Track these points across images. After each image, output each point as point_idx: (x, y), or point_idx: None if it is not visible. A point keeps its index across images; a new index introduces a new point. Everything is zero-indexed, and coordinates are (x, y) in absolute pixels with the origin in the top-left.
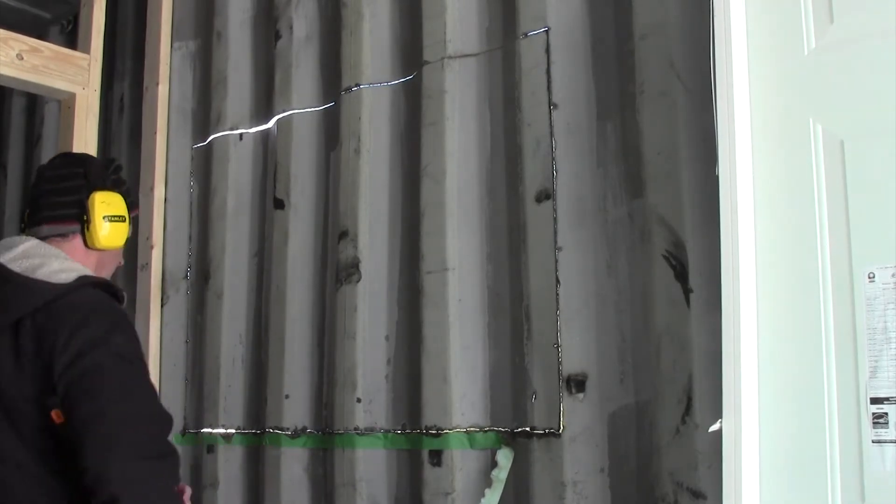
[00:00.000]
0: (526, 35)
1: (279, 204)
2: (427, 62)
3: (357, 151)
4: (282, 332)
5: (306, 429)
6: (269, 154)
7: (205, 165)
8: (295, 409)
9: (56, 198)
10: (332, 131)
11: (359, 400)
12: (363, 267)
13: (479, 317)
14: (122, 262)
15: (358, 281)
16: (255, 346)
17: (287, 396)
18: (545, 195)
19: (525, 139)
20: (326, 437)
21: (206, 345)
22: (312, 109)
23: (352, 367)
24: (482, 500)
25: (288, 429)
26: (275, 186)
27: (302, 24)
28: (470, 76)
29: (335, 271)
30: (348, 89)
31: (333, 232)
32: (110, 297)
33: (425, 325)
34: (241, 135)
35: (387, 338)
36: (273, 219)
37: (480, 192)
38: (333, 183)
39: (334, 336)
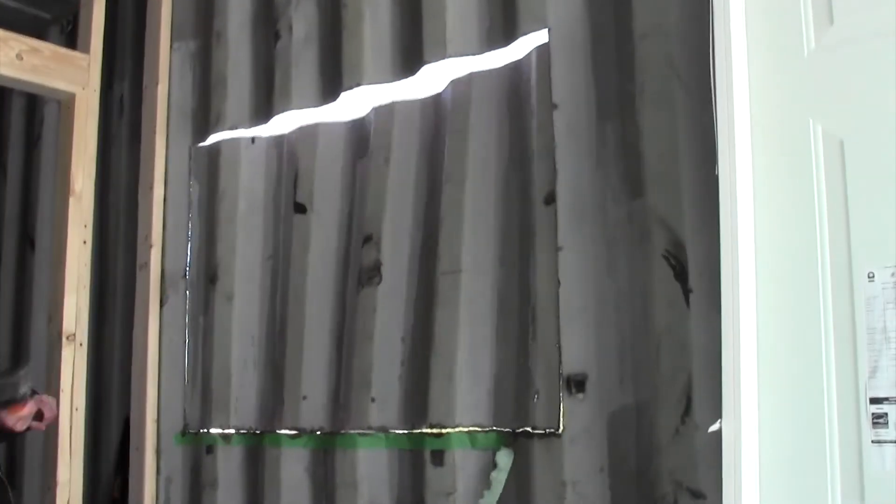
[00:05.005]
0: (526, 35)
1: (300, 208)
2: (427, 62)
3: (387, 162)
4: (300, 334)
5: (312, 429)
6: (283, 159)
7: (211, 167)
8: (312, 410)
9: None
10: (362, 141)
11: (373, 400)
12: (384, 270)
13: (488, 318)
14: None
15: (378, 283)
16: (268, 348)
17: (305, 398)
18: (553, 197)
19: (536, 143)
20: (327, 437)
21: (213, 346)
22: (339, 121)
23: (367, 367)
24: (480, 501)
25: (304, 429)
26: (295, 191)
27: (302, 24)
28: (492, 84)
29: (357, 274)
30: (349, 89)
31: (357, 236)
32: None
33: (436, 325)
34: (252, 138)
35: (403, 339)
36: (292, 222)
37: (496, 194)
38: (361, 190)
39: (353, 337)
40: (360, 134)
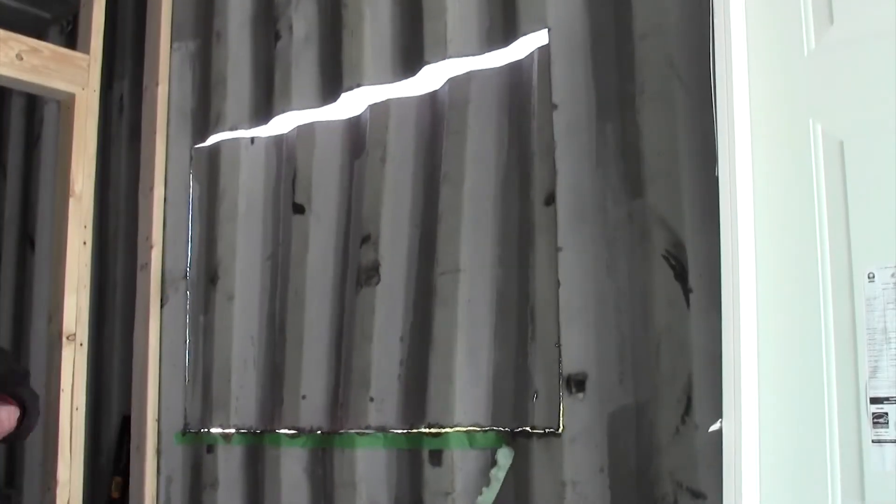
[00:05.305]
0: (526, 35)
1: (299, 209)
2: (428, 62)
3: (382, 160)
4: (300, 334)
5: (311, 429)
6: (282, 160)
7: (211, 168)
8: (311, 409)
9: None
10: (358, 140)
11: (371, 399)
12: (383, 270)
13: (486, 318)
14: None
15: (377, 283)
16: (268, 348)
17: (304, 397)
18: (553, 198)
19: (536, 143)
20: (326, 436)
21: (214, 345)
22: (336, 119)
23: (366, 367)
24: (479, 499)
25: (304, 429)
26: (293, 192)
27: (302, 24)
28: (492, 84)
29: (356, 274)
30: (349, 90)
31: (356, 236)
32: None
33: (435, 325)
34: (252, 139)
35: (401, 339)
36: (291, 223)
37: (495, 195)
38: (357, 189)
39: (352, 337)
40: (356, 132)
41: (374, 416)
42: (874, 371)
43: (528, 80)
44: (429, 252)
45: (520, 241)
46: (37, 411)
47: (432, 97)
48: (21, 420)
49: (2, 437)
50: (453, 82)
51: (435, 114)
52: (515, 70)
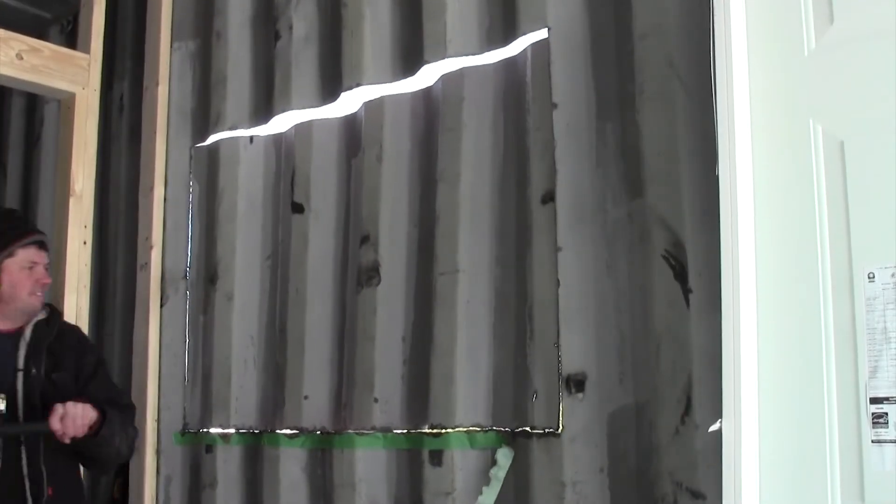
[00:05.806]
0: (526, 35)
1: (298, 208)
2: (427, 62)
3: (379, 158)
4: (301, 335)
5: (314, 429)
6: (281, 159)
7: (210, 167)
8: (314, 410)
9: None
10: (354, 138)
11: (376, 400)
12: (383, 270)
13: (485, 317)
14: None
15: (377, 284)
16: (268, 348)
17: (306, 397)
18: (550, 196)
19: (533, 141)
20: (325, 437)
21: (213, 345)
22: (333, 118)
23: (370, 368)
24: (479, 498)
25: (307, 429)
26: (292, 191)
27: (302, 24)
28: (486, 80)
29: (356, 275)
30: (349, 89)
31: (355, 236)
32: None
33: (435, 326)
34: (251, 138)
35: (403, 339)
36: (290, 222)
37: (492, 193)
38: (356, 189)
39: (354, 338)
40: (352, 130)
41: (379, 416)
42: (874, 371)
43: (523, 76)
44: (428, 252)
45: (518, 241)
46: (131, 428)
47: (426, 94)
48: (99, 428)
49: (82, 430)
50: (447, 79)
51: (429, 111)
52: (510, 66)
